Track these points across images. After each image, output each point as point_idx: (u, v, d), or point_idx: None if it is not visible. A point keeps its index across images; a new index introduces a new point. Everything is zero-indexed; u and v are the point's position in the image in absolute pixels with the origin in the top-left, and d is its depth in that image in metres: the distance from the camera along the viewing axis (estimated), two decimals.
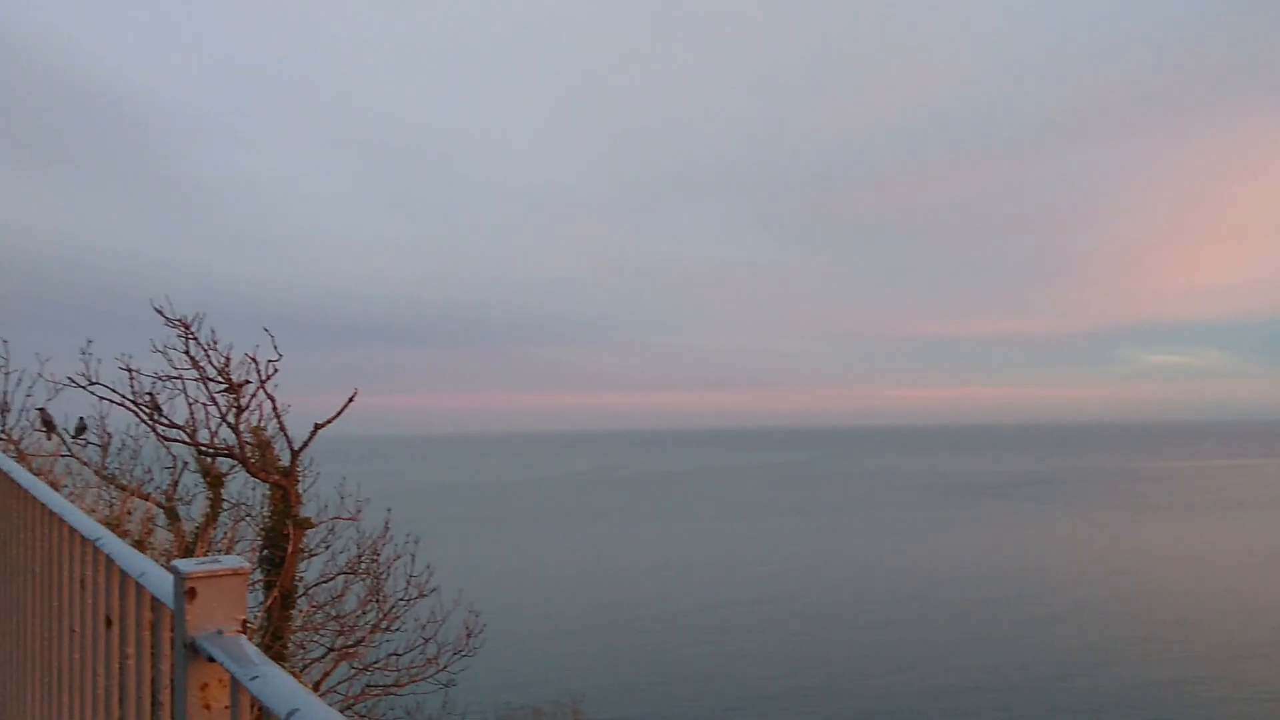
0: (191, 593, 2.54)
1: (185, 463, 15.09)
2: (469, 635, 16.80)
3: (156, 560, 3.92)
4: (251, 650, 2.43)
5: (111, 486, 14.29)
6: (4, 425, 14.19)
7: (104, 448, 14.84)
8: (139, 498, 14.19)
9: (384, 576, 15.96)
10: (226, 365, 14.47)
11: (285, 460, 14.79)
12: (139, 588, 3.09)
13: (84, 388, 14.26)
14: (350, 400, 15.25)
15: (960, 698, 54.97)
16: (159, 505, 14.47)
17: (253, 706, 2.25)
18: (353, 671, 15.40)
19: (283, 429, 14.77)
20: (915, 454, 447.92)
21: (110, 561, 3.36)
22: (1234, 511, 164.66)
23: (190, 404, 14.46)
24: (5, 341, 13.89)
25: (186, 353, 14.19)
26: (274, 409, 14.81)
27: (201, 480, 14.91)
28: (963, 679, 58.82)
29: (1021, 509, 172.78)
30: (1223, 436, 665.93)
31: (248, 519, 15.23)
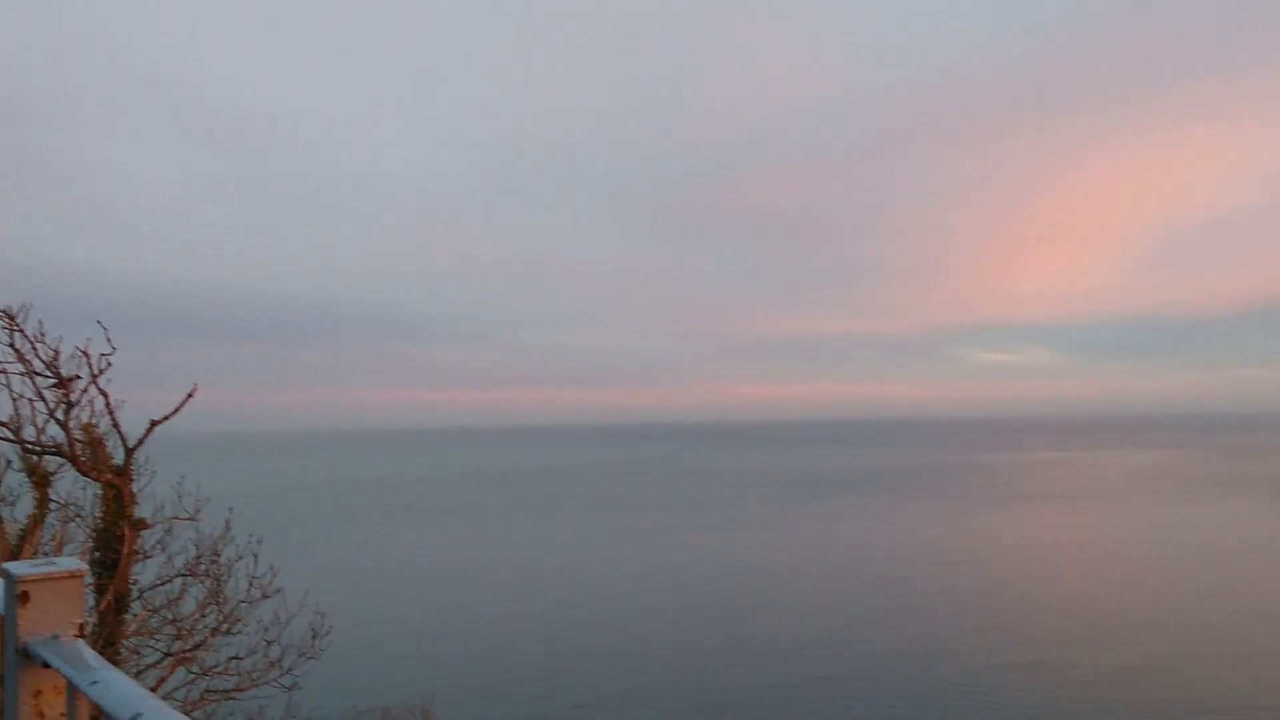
0: (24, 596, 2.50)
1: (9, 461, 14.32)
2: (314, 637, 16.46)
3: None
4: (90, 655, 2.42)
5: None
6: None
7: None
8: None
9: (225, 578, 15.46)
10: (55, 358, 13.76)
11: (119, 458, 14.18)
12: None
13: None
14: (190, 396, 14.71)
15: (810, 688, 56.68)
16: None
17: (92, 713, 2.24)
18: (191, 676, 14.89)
19: (116, 426, 14.16)
20: (766, 450, 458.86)
21: None
22: (1057, 503, 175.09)
23: (15, 399, 13.71)
24: None
25: (11, 345, 13.45)
26: (107, 405, 14.17)
27: (27, 479, 14.17)
28: (812, 670, 60.64)
29: (866, 503, 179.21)
30: (1048, 431, 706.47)
31: (78, 520, 14.54)
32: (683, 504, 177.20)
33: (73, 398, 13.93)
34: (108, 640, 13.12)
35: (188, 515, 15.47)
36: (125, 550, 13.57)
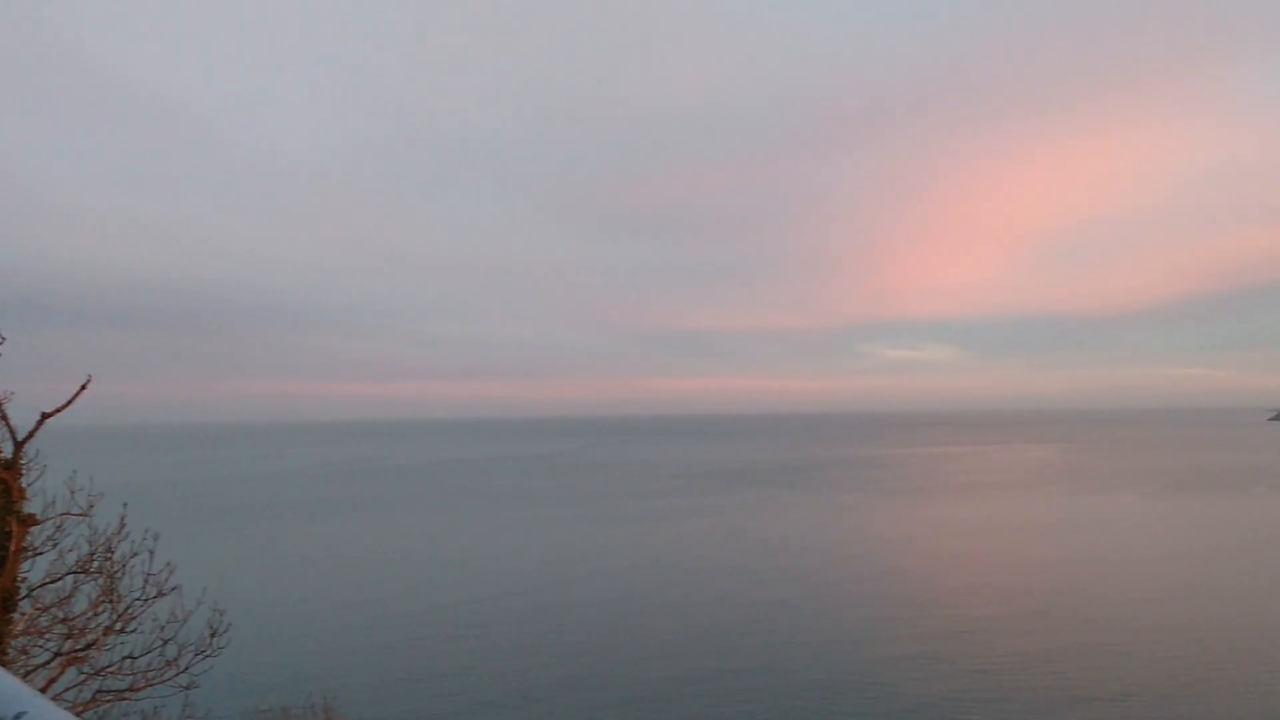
0: None
1: None
2: (213, 635, 16.15)
3: None
4: None
5: None
6: None
7: None
8: None
9: (118, 575, 15.07)
10: None
11: (8, 452, 13.72)
12: None
13: None
14: (83, 388, 14.30)
15: (716, 681, 57.36)
16: None
17: None
18: (82, 677, 14.49)
19: (4, 418, 13.70)
20: (675, 443, 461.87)
21: None
22: (956, 496, 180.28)
23: None
24: None
25: None
26: None
27: None
28: (719, 664, 61.39)
29: (772, 496, 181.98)
30: (949, 426, 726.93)
31: None
32: (591, 498, 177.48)
33: None
34: None
35: (80, 511, 15.04)
36: (13, 547, 13.16)
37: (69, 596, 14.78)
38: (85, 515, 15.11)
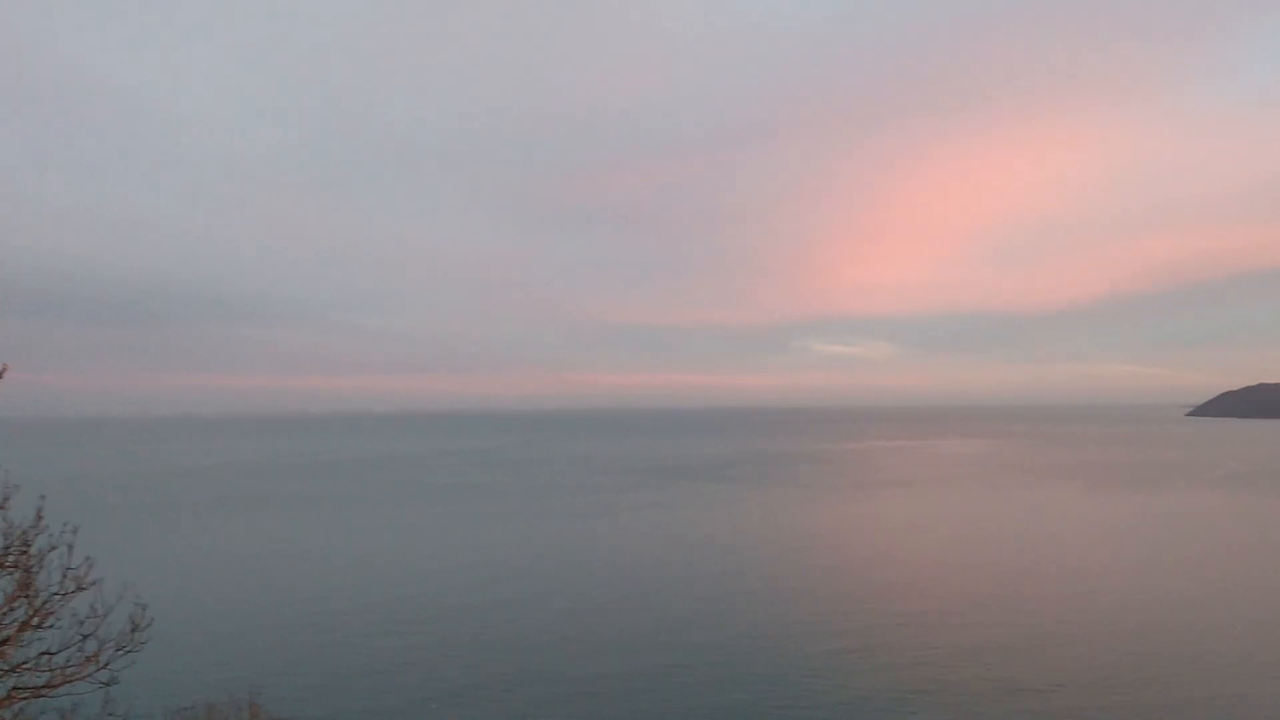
0: None
1: None
2: (134, 630, 15.79)
3: None
4: None
5: None
6: None
7: None
8: None
9: (35, 569, 14.66)
10: None
11: None
12: None
13: None
14: None
15: (655, 678, 57.48)
16: None
17: None
18: None
19: None
20: (617, 438, 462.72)
21: None
22: (893, 489, 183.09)
23: None
24: None
25: None
26: None
27: None
28: (657, 659, 61.52)
29: (710, 490, 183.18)
30: (886, 422, 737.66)
31: None
32: (531, 494, 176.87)
33: None
34: None
35: None
36: None
37: None
38: (0, 508, 14.69)
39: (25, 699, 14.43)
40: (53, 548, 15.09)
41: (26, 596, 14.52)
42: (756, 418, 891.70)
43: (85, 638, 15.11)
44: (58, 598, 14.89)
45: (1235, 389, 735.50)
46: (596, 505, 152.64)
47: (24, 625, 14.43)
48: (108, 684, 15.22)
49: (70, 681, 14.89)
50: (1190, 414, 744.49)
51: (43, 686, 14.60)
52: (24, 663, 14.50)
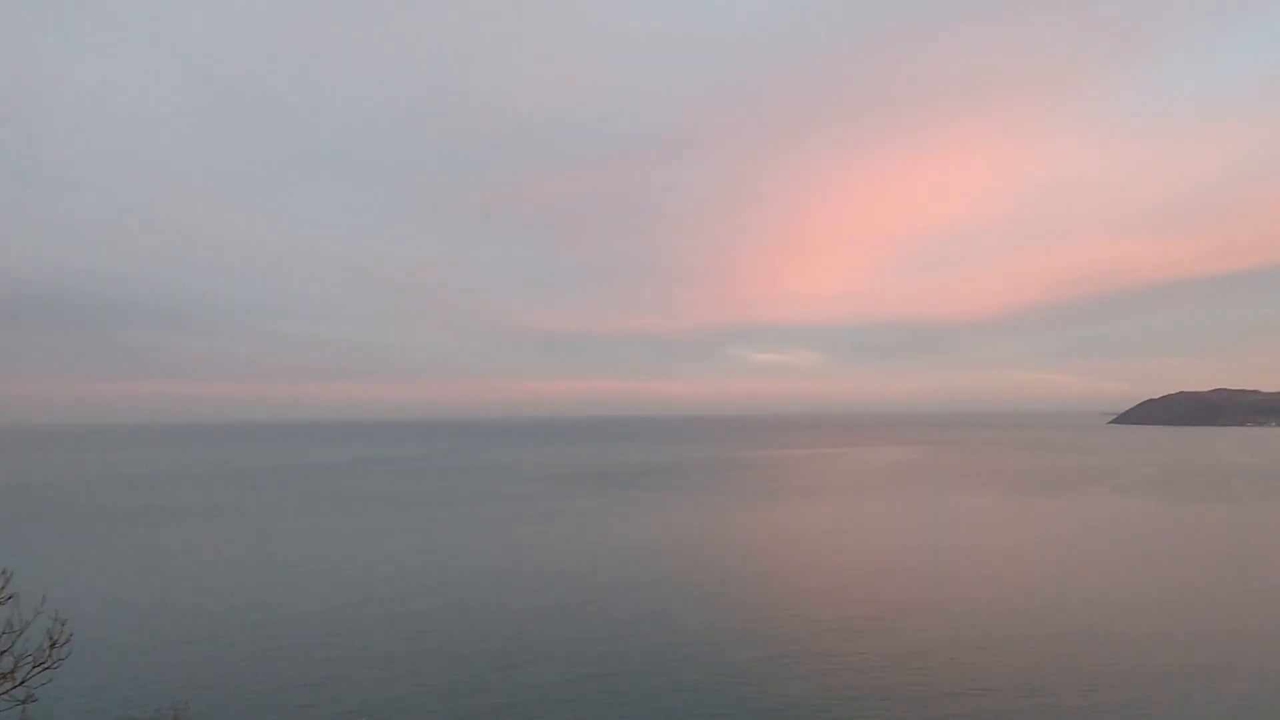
0: None
1: None
2: (53, 645, 15.16)
3: None
4: None
5: None
6: None
7: None
8: None
9: None
10: None
11: None
12: None
13: None
14: None
15: (580, 687, 57.21)
16: None
17: None
18: None
19: None
20: (541, 446, 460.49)
21: None
22: (821, 496, 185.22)
23: None
24: None
25: None
26: None
27: None
28: (580, 669, 61.25)
29: (638, 498, 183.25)
30: (813, 428, 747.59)
31: None
32: (455, 502, 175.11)
33: None
34: None
35: None
36: None
37: None
38: None
39: None
40: None
41: None
42: (684, 425, 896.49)
43: (1, 654, 14.47)
44: None
45: (1156, 397, 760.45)
46: (523, 514, 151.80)
47: None
48: (24, 702, 14.62)
49: None
50: (1112, 421, 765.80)
51: None
52: None
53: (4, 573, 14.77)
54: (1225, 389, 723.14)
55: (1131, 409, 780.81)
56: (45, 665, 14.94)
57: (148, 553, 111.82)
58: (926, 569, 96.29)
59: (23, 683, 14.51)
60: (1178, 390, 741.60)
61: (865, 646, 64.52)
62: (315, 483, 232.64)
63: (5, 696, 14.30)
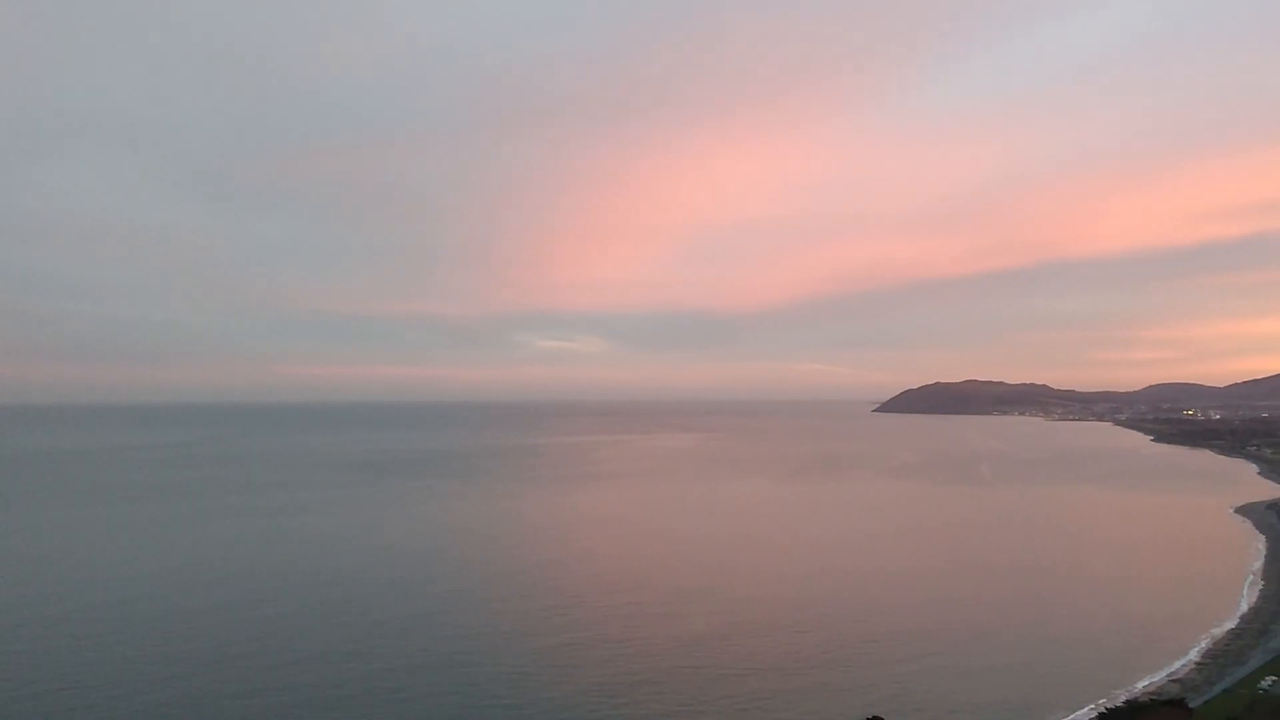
0: None
1: None
2: None
3: None
4: None
5: None
6: None
7: None
8: None
9: None
10: None
11: None
12: None
13: None
14: None
15: (371, 681, 55.23)
16: None
17: None
18: None
19: None
20: (322, 432, 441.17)
21: None
22: (605, 482, 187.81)
23: None
24: None
25: None
26: None
27: None
28: (369, 665, 59.17)
29: (422, 485, 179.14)
30: (601, 415, 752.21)
31: None
32: (229, 491, 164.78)
33: None
34: None
35: None
36: None
37: None
38: None
39: None
40: None
41: None
42: (473, 412, 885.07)
43: None
44: None
45: (915, 387, 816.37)
46: (302, 503, 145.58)
47: None
48: None
49: None
50: (876, 410, 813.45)
51: None
52: None
53: None
54: (976, 380, 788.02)
55: (893, 398, 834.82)
56: None
57: None
58: (707, 554, 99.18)
59: None
60: (935, 381, 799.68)
61: (649, 631, 65.50)
62: (81, 471, 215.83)
63: None
